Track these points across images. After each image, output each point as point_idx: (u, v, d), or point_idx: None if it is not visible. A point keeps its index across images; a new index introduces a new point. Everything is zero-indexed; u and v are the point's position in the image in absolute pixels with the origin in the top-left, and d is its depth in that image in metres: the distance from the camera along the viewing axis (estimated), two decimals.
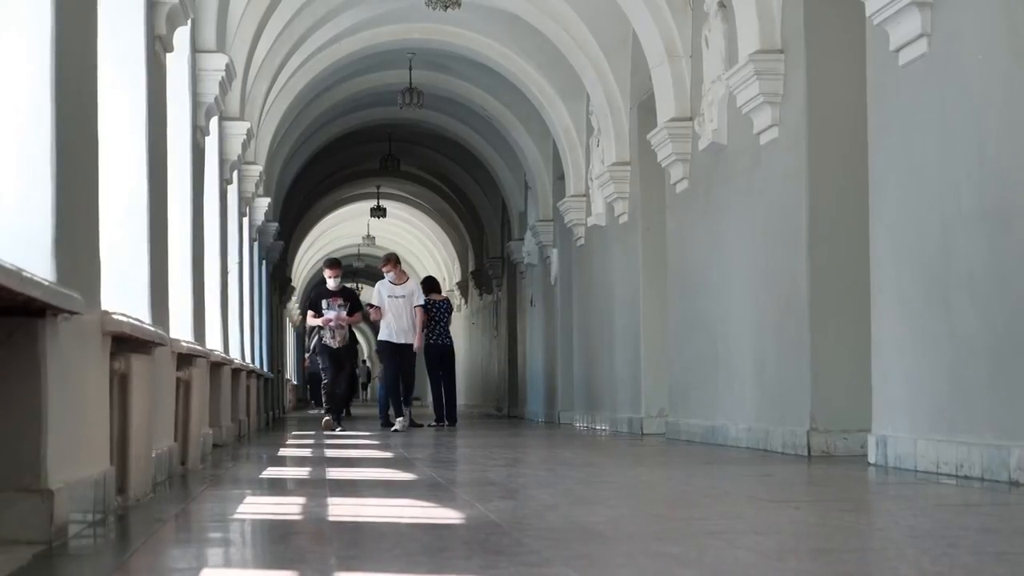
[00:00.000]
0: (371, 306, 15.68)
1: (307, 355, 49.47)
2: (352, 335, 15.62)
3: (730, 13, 10.62)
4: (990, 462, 6.40)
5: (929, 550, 3.83)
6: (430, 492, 6.15)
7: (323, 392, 16.10)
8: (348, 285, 17.25)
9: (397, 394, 15.35)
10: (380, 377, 16.90)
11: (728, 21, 10.81)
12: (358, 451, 10.32)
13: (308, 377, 43.81)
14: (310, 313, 15.59)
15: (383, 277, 16.01)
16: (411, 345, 15.49)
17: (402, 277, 15.78)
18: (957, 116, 6.86)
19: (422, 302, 15.79)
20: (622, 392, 15.06)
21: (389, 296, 15.41)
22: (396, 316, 15.35)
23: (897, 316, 7.58)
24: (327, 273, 15.70)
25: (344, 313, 15.25)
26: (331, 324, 15.17)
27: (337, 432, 14.33)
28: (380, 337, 15.59)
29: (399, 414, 15.25)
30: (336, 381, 15.44)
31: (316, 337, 17.64)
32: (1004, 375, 6.37)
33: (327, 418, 15.11)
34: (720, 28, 11.03)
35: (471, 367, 31.78)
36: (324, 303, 15.33)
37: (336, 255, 43.09)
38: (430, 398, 17.77)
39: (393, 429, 14.89)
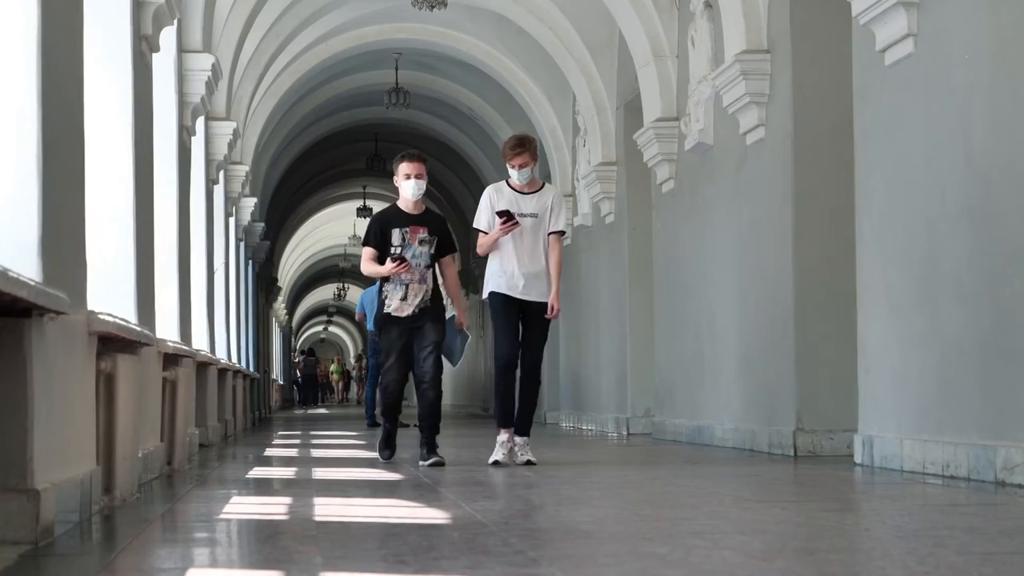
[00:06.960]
0: (477, 231, 8.63)
1: (296, 356, 49.50)
2: (437, 291, 8.51)
3: (716, 13, 10.63)
4: (976, 462, 6.41)
5: (915, 550, 3.84)
6: (416, 492, 6.15)
7: (380, 391, 9.15)
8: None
9: (512, 383, 8.41)
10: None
11: (714, 21, 10.82)
12: (344, 451, 10.31)
13: (303, 379, 43.88)
14: (368, 252, 8.47)
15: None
16: (545, 306, 8.31)
17: (536, 182, 8.57)
18: (943, 116, 6.88)
19: (562, 227, 8.55)
20: (608, 392, 15.07)
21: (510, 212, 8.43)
22: (519, 249, 8.38)
23: (883, 316, 7.59)
24: (402, 172, 8.54)
25: (417, 258, 8.42)
26: (402, 275, 8.34)
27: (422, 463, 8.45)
28: (489, 287, 8.44)
29: (506, 423, 8.35)
30: (407, 366, 8.48)
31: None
32: (990, 374, 6.38)
33: (384, 451, 8.85)
34: (706, 28, 11.04)
35: (458, 367, 31.76)
36: (397, 234, 8.43)
37: (322, 255, 43.07)
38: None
39: (495, 456, 8.34)
